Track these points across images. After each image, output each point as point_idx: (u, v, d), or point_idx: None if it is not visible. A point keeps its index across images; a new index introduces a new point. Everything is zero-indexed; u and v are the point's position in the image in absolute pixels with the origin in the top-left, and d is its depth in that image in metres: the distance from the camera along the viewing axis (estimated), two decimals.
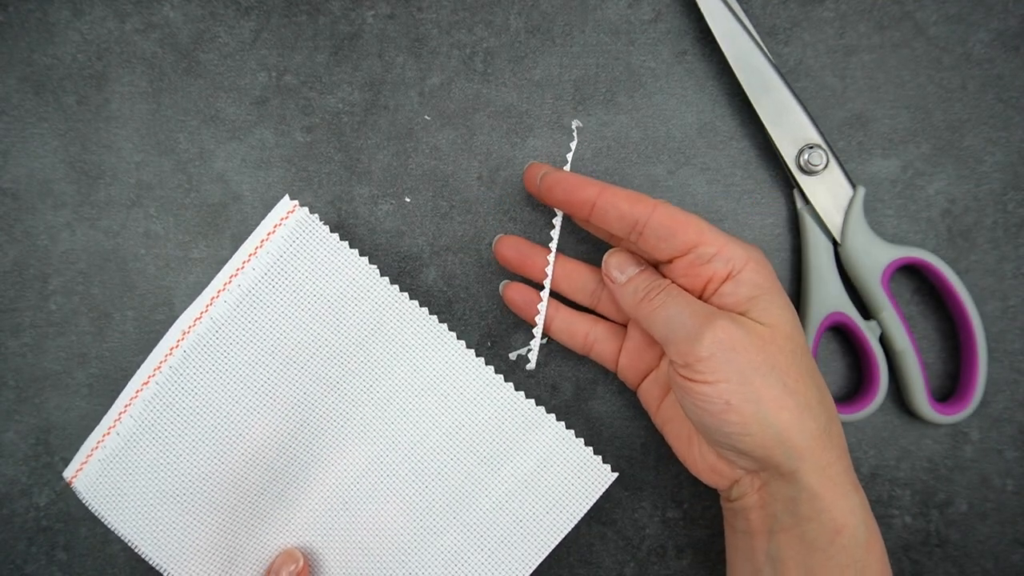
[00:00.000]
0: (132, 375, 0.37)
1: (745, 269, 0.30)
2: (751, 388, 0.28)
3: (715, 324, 0.28)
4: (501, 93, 0.38)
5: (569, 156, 0.35)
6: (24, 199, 0.37)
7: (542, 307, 0.35)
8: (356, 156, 0.38)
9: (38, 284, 0.37)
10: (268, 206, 0.37)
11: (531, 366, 0.36)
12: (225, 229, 0.38)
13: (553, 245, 0.35)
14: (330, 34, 0.38)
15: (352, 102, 0.38)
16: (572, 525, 0.33)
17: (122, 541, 0.37)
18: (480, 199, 0.38)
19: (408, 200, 0.38)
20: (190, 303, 0.37)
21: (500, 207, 0.38)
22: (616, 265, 0.33)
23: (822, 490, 0.28)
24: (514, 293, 0.36)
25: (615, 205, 0.31)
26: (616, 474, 0.33)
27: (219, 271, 0.35)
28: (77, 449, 0.37)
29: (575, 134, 0.36)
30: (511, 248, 0.36)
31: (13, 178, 0.37)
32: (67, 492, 0.37)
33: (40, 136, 0.38)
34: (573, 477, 0.33)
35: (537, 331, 0.36)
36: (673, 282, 0.31)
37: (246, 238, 0.37)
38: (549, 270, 0.35)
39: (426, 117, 0.38)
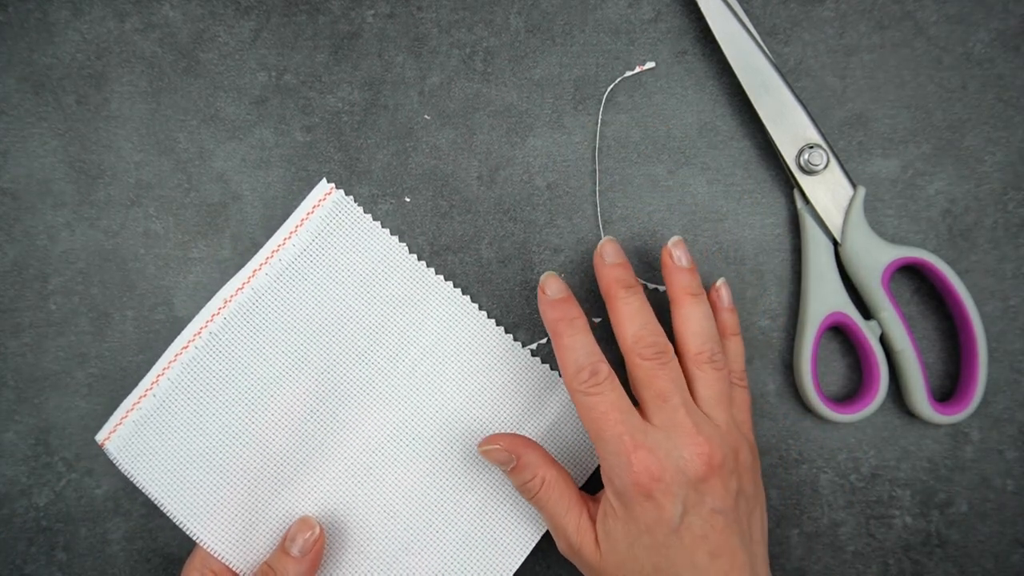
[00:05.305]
0: (132, 375, 0.37)
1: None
2: None
3: (584, 538, 0.32)
4: (501, 93, 0.38)
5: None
6: (24, 199, 0.37)
7: None
8: (356, 156, 0.38)
9: (38, 284, 0.37)
10: (268, 206, 0.37)
11: None
12: (225, 229, 0.38)
13: None
14: (330, 34, 0.38)
15: (352, 102, 0.38)
16: (586, 478, 0.36)
17: (121, 541, 0.37)
18: (480, 199, 0.38)
19: (408, 200, 0.38)
20: (190, 303, 0.37)
21: (500, 207, 0.38)
22: (490, 455, 0.33)
23: None
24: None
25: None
26: None
27: (219, 271, 0.37)
28: (77, 449, 0.37)
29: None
30: None
31: (13, 178, 0.37)
32: (67, 492, 0.37)
33: (40, 136, 0.37)
34: (585, 435, 0.36)
35: None
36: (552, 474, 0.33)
37: (246, 238, 0.37)
38: None
39: (426, 117, 0.38)
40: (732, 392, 0.33)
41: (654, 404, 0.31)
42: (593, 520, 0.32)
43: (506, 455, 0.33)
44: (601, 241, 0.34)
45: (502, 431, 0.36)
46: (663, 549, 0.30)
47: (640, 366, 0.31)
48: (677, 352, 0.33)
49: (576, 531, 0.32)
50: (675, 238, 0.34)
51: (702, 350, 0.32)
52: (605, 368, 0.31)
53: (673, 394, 0.31)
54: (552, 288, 0.33)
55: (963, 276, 0.36)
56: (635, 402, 0.32)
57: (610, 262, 0.34)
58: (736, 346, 0.35)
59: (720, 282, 0.35)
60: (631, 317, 0.32)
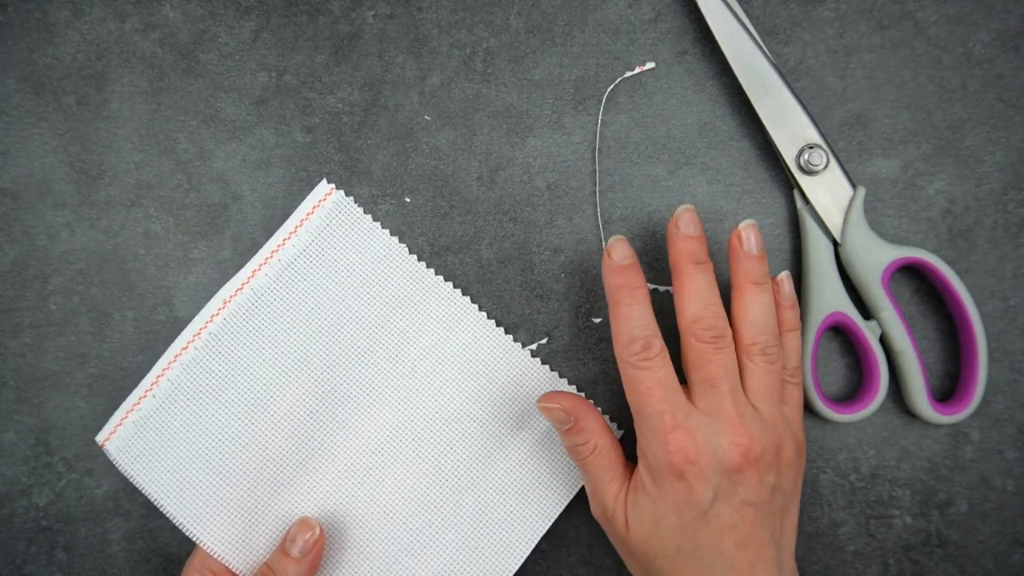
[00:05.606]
0: (132, 375, 0.37)
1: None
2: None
3: (617, 508, 0.32)
4: (501, 93, 0.38)
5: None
6: (24, 199, 0.37)
7: None
8: (356, 156, 0.38)
9: (38, 284, 0.37)
10: (268, 206, 0.37)
11: None
12: (225, 229, 0.38)
13: None
14: (330, 34, 0.38)
15: (352, 102, 0.38)
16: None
17: (121, 541, 0.37)
18: (480, 199, 0.38)
19: (408, 200, 0.38)
20: (190, 303, 0.37)
21: (500, 207, 0.38)
22: (549, 413, 0.33)
23: None
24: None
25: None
26: (623, 431, 0.36)
27: (219, 271, 0.37)
28: (77, 449, 0.37)
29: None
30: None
31: (13, 178, 0.37)
32: (67, 492, 0.37)
33: (40, 136, 0.38)
34: None
35: None
36: (597, 447, 0.32)
37: (246, 238, 0.37)
38: None
39: (426, 117, 0.38)
40: (784, 388, 0.32)
41: (702, 388, 0.31)
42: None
43: (564, 416, 0.32)
44: (679, 209, 0.33)
45: (503, 431, 0.36)
46: (688, 531, 0.30)
47: (694, 347, 0.31)
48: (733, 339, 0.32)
49: (613, 500, 0.32)
50: (748, 221, 0.33)
51: (756, 340, 0.31)
52: (658, 343, 0.31)
53: (722, 380, 0.30)
54: (619, 253, 0.32)
55: (963, 276, 0.36)
56: (684, 382, 0.32)
57: (685, 233, 0.32)
58: (793, 342, 0.34)
59: (783, 276, 0.34)
60: (694, 295, 0.31)
